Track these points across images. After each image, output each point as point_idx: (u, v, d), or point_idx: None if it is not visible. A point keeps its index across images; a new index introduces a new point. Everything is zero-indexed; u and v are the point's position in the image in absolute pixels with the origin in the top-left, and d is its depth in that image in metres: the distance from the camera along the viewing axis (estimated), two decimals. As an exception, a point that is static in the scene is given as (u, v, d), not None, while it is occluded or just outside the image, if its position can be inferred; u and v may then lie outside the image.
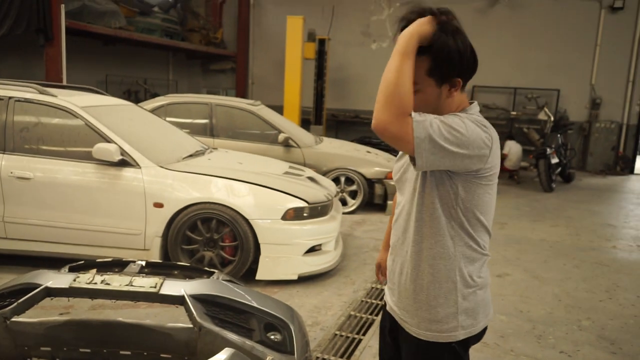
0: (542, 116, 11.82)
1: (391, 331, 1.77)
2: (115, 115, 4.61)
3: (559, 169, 9.97)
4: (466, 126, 1.41)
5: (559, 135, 10.18)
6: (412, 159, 1.43)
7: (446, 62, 1.45)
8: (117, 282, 1.90)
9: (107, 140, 4.10)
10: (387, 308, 1.77)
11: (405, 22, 1.47)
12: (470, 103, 1.60)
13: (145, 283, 1.93)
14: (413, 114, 1.37)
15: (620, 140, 12.71)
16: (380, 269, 2.05)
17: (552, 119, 11.29)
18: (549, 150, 9.33)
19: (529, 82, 12.74)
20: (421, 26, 1.41)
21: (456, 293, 1.57)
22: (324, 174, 6.55)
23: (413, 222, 1.58)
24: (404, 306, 1.65)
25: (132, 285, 1.90)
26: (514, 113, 12.80)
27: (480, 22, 12.72)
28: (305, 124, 11.60)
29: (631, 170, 12.74)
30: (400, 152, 1.72)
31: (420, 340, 1.61)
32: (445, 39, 1.43)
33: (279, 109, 10.83)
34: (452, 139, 1.38)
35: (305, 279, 4.24)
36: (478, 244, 1.58)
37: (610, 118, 12.67)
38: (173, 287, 1.91)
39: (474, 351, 3.19)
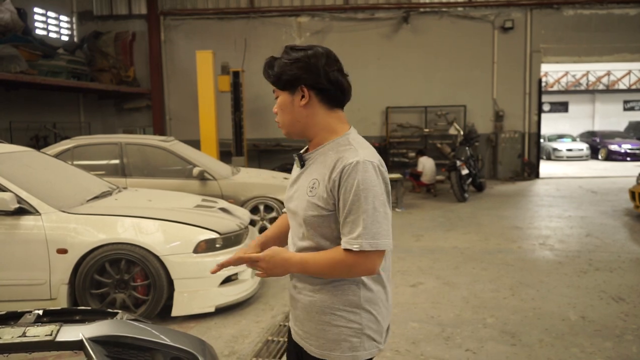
0: (452, 131, 12.55)
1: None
2: (11, 163, 4.42)
3: (470, 180, 10.55)
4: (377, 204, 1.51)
5: (467, 148, 10.80)
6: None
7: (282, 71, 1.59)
8: (8, 334, 1.80)
9: (2, 189, 3.93)
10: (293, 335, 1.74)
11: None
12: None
13: (40, 332, 1.85)
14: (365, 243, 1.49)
15: (525, 148, 13.71)
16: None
17: (461, 133, 11.98)
18: (458, 163, 9.89)
19: (438, 100, 13.51)
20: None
21: (360, 314, 1.61)
22: (243, 203, 6.58)
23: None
24: (308, 329, 1.65)
25: (25, 336, 1.81)
26: (427, 130, 13.49)
27: (387, 47, 13.37)
28: (226, 155, 11.59)
29: (537, 175, 13.75)
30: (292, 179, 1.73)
31: None
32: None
33: (198, 143, 10.78)
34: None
35: (223, 310, 4.22)
36: None
37: (514, 128, 13.65)
38: (71, 332, 1.82)
39: (384, 359, 3.31)
